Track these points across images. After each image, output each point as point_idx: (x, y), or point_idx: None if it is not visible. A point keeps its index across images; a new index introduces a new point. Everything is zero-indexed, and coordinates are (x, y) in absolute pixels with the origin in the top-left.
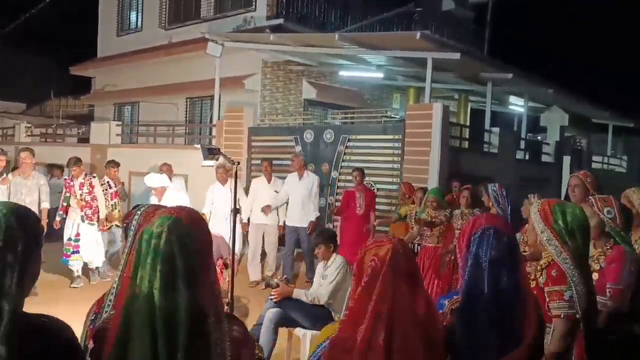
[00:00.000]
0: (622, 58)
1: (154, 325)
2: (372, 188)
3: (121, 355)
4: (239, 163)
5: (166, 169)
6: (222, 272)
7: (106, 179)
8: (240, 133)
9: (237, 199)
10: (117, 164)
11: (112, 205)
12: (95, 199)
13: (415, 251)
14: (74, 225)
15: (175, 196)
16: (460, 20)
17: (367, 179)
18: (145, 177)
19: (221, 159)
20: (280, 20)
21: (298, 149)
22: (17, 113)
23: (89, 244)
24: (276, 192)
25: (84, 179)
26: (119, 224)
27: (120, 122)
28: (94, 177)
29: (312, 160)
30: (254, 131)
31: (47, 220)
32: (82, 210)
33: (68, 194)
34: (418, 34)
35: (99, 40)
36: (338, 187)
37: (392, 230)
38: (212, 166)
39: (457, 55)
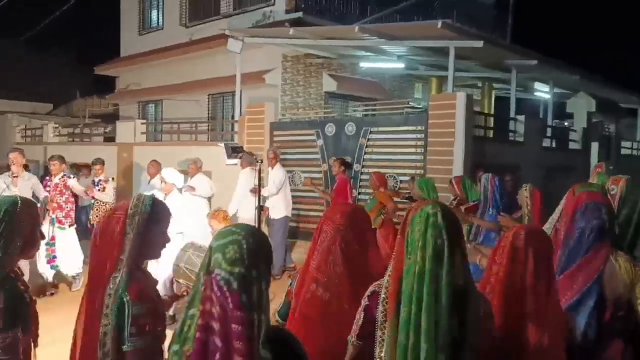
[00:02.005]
0: None
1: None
2: (396, 182)
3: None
4: (262, 161)
5: (193, 167)
6: None
7: (95, 178)
8: (261, 128)
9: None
10: (102, 162)
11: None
12: (69, 202)
13: None
14: (48, 228)
15: (175, 199)
16: (482, 6)
17: (390, 171)
18: (162, 170)
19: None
20: (300, 14)
21: (320, 142)
22: (45, 114)
23: (61, 250)
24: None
25: (60, 178)
26: None
27: (144, 121)
28: (71, 176)
29: (333, 154)
30: (275, 126)
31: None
32: (53, 213)
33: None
34: (439, 23)
35: (121, 40)
36: (361, 180)
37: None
38: (236, 164)
39: (479, 43)
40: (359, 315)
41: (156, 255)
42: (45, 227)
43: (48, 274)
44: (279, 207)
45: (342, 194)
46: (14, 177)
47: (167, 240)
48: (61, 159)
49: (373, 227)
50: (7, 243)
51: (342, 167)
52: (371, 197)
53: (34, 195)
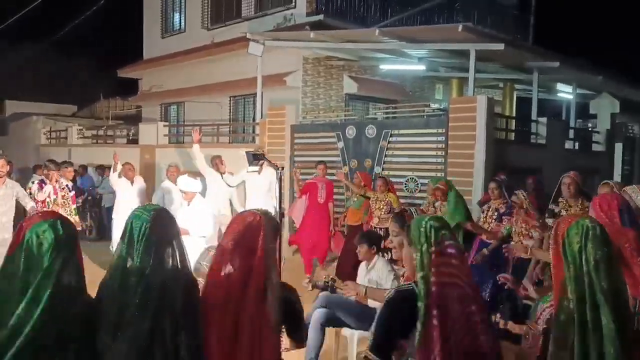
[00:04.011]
0: None
1: None
2: (416, 184)
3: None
4: (282, 168)
5: (218, 162)
6: None
7: (64, 182)
8: (282, 131)
9: (281, 202)
10: (71, 164)
11: (73, 210)
12: (44, 207)
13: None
14: None
15: (200, 203)
16: (504, 7)
17: (410, 173)
18: (178, 179)
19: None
20: (320, 17)
21: (340, 145)
22: (69, 115)
23: None
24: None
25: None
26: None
27: (167, 123)
28: (40, 180)
29: (354, 156)
30: (296, 128)
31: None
32: None
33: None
34: (460, 27)
35: (144, 43)
36: None
37: (349, 215)
38: (257, 171)
39: (500, 46)
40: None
41: None
42: None
43: None
44: None
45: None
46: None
47: None
48: (55, 164)
49: (360, 223)
50: None
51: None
52: (358, 197)
53: (18, 204)
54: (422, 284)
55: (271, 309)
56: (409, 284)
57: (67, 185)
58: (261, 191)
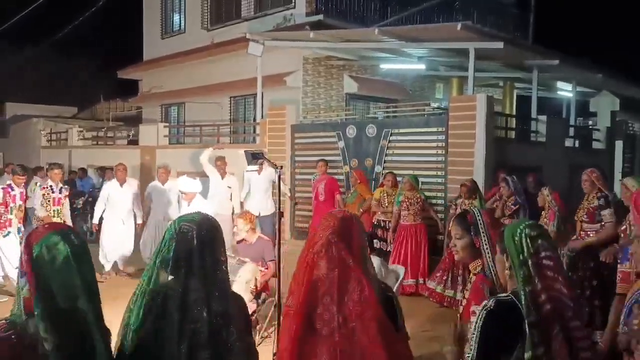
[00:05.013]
0: None
1: None
2: None
3: None
4: (281, 167)
5: (220, 163)
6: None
7: (49, 182)
8: (283, 131)
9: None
10: (60, 166)
11: (54, 211)
12: (6, 212)
13: (387, 227)
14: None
15: (201, 204)
16: (504, 6)
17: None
18: (178, 180)
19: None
20: (320, 16)
21: (341, 144)
22: (69, 117)
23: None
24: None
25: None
26: None
27: (167, 124)
28: (8, 184)
29: (355, 156)
30: (296, 128)
31: None
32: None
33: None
34: (459, 25)
35: (144, 44)
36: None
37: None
38: (256, 171)
39: (500, 45)
40: None
41: None
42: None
43: None
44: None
45: (337, 189)
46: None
47: None
48: (22, 168)
49: None
50: None
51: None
52: (352, 191)
53: None
54: (527, 299)
55: (375, 304)
56: (508, 295)
57: (50, 186)
58: (260, 191)
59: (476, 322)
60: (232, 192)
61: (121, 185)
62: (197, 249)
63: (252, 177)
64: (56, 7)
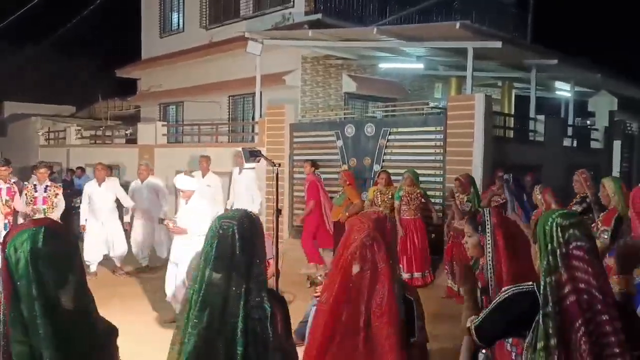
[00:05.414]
0: None
1: None
2: None
3: None
4: (279, 165)
5: (204, 162)
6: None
7: (33, 181)
8: (281, 130)
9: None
10: (47, 164)
11: (43, 210)
12: None
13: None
14: None
15: (198, 202)
16: (502, 6)
17: None
18: (175, 179)
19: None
20: (319, 15)
21: (339, 143)
22: (68, 116)
23: None
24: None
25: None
26: None
27: (165, 123)
28: None
29: (354, 155)
30: (295, 127)
31: None
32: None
33: None
34: (458, 24)
35: (142, 43)
36: None
37: (333, 212)
38: (254, 168)
39: (498, 44)
40: None
41: None
42: None
43: None
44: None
45: (314, 194)
46: None
47: None
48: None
49: (338, 219)
50: None
51: (313, 167)
52: (340, 193)
53: None
54: (545, 289)
55: (394, 309)
56: (531, 284)
57: (34, 185)
58: (241, 190)
59: (494, 301)
60: (215, 190)
61: (100, 184)
62: (237, 244)
63: (235, 177)
64: (55, 6)
